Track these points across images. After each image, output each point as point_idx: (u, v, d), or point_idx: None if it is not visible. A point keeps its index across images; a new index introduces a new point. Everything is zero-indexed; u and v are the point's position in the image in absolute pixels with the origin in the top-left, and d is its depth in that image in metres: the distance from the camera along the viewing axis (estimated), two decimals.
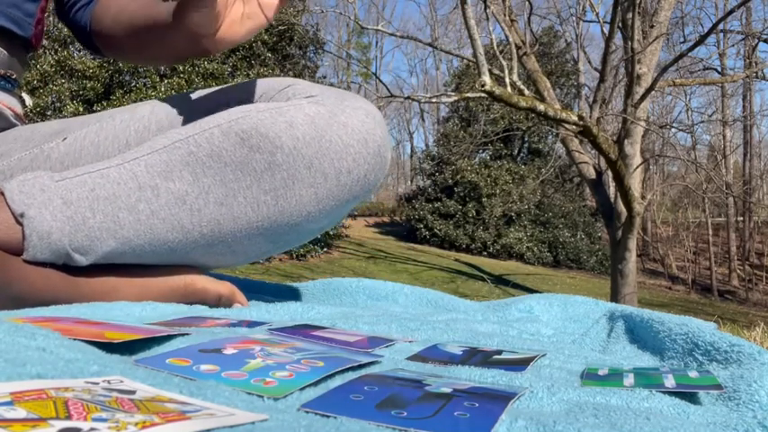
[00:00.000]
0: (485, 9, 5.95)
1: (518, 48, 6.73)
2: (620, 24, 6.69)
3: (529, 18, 7.62)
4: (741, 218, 19.44)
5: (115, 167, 0.70)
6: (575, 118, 5.82)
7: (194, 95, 0.86)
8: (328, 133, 0.73)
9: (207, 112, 0.80)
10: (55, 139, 0.82)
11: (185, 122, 0.80)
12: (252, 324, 0.57)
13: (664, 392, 0.43)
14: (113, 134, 0.82)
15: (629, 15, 6.47)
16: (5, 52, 0.85)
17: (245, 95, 0.82)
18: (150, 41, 0.86)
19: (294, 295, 1.02)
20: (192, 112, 0.82)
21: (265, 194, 0.72)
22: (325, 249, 11.97)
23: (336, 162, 0.74)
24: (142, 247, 0.70)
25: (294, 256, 11.33)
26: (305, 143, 0.72)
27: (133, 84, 9.28)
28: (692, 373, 0.49)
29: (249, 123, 0.72)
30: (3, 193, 0.65)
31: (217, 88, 0.85)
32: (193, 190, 0.70)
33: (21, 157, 0.82)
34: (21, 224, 0.64)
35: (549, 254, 15.44)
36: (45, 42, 8.86)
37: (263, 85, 0.83)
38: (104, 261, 0.69)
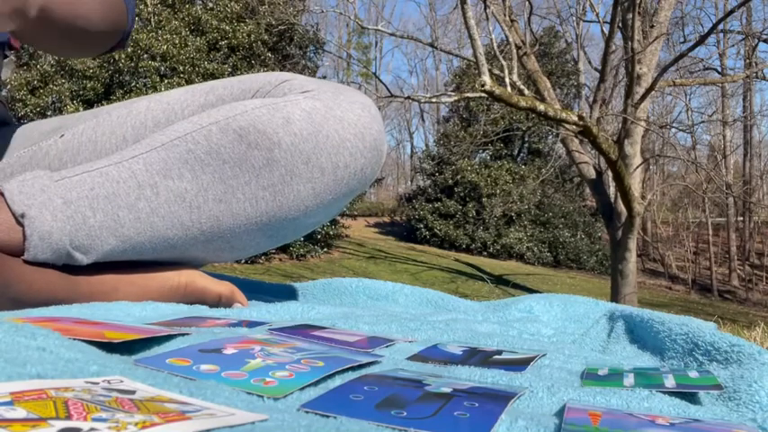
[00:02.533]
0: (485, 9, 5.95)
1: (518, 48, 6.73)
2: (620, 24, 6.70)
3: (529, 18, 7.63)
4: (741, 218, 19.43)
5: (114, 166, 0.70)
6: (575, 118, 5.82)
7: (190, 90, 0.86)
8: (325, 128, 0.74)
9: (203, 107, 0.80)
10: (53, 137, 0.82)
11: (182, 118, 0.80)
12: (252, 324, 0.57)
13: (664, 392, 0.43)
14: (110, 130, 0.82)
15: (629, 15, 6.47)
16: None
17: (241, 90, 0.82)
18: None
19: (294, 295, 1.02)
20: (188, 107, 0.82)
21: (264, 190, 0.73)
22: (325, 249, 11.96)
23: (333, 157, 0.74)
24: (142, 244, 0.70)
25: (294, 256, 11.32)
26: (302, 139, 0.73)
27: (133, 84, 9.28)
28: (693, 374, 0.49)
29: (247, 120, 0.72)
30: (2, 194, 0.65)
31: (212, 82, 0.85)
32: (192, 187, 0.71)
33: (20, 155, 0.82)
34: (21, 225, 0.63)
35: (549, 254, 15.43)
36: None
37: (259, 79, 0.82)
38: (105, 259, 0.69)
